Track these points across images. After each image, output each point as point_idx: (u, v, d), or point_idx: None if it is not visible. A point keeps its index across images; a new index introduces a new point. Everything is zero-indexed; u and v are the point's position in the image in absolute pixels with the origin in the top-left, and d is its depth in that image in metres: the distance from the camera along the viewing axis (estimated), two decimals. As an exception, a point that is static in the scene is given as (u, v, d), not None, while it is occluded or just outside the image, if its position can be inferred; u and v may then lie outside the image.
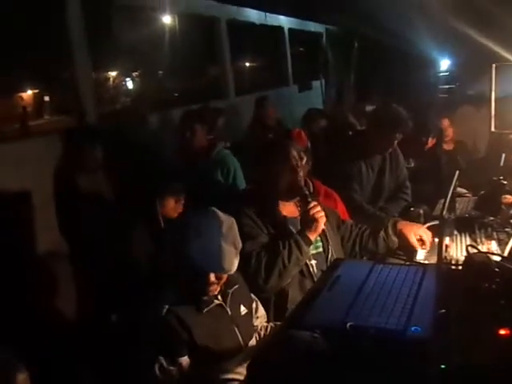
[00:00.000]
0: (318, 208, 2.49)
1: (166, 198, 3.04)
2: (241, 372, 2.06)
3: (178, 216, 3.14)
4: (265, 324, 2.39)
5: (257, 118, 5.91)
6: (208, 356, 2.04)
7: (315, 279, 2.51)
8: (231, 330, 2.13)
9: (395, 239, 2.77)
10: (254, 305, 2.33)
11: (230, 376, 2.08)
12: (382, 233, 2.78)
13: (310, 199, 2.51)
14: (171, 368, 1.99)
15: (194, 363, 2.04)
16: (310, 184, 3.12)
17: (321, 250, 2.65)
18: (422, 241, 2.69)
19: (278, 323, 2.37)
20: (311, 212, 2.47)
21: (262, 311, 2.39)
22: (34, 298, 3.36)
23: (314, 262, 2.58)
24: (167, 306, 2.02)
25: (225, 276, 2.08)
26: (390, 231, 2.77)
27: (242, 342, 2.15)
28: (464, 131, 5.51)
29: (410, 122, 3.72)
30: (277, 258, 2.42)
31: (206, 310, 2.07)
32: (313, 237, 2.51)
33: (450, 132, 5.25)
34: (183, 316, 2.02)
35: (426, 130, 4.75)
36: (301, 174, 2.61)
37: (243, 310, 2.21)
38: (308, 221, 2.50)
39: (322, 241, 2.66)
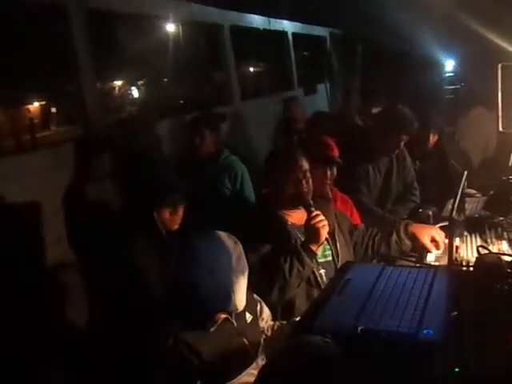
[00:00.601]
0: (320, 217, 2.45)
1: (162, 210, 3.00)
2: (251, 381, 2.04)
3: (179, 229, 3.09)
4: (271, 323, 2.34)
5: (285, 120, 5.91)
6: (217, 374, 1.99)
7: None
8: (239, 342, 2.08)
9: (408, 242, 2.75)
10: (258, 307, 2.27)
11: None
12: (394, 236, 2.77)
13: (312, 209, 2.48)
14: None
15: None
16: (330, 193, 3.12)
17: (330, 258, 2.62)
18: (435, 242, 2.67)
19: (284, 322, 2.35)
20: (312, 222, 2.44)
21: (266, 311, 2.33)
22: (43, 309, 3.37)
23: (322, 271, 2.55)
24: (174, 334, 1.96)
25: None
26: (402, 234, 2.75)
27: (251, 351, 2.10)
28: (477, 132, 5.47)
29: (416, 122, 3.71)
30: (278, 272, 2.40)
31: (213, 328, 2.01)
32: (316, 248, 2.47)
33: None
34: (192, 341, 1.96)
35: (427, 127, 4.71)
36: (306, 183, 2.59)
37: (248, 317, 2.15)
38: (310, 231, 2.46)
39: (331, 249, 2.64)
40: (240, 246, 2.03)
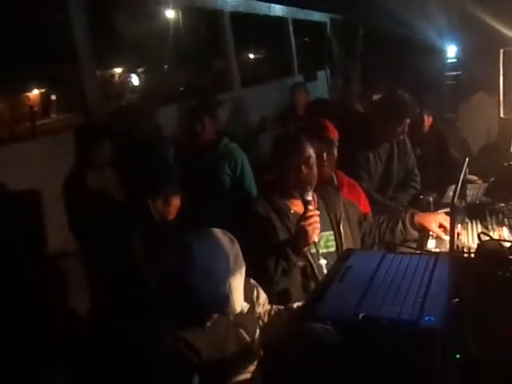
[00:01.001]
0: (312, 219, 2.38)
1: (155, 199, 2.98)
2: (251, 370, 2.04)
3: (176, 219, 3.08)
4: (268, 307, 2.31)
5: (290, 106, 5.98)
6: (217, 369, 2.00)
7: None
8: (237, 334, 2.07)
9: (414, 232, 2.73)
10: (254, 293, 2.23)
11: (244, 377, 2.05)
12: (399, 225, 2.74)
13: (310, 206, 2.42)
14: None
15: (202, 380, 1.98)
16: (334, 177, 3.11)
17: (333, 249, 2.59)
18: (443, 227, 2.65)
19: (281, 307, 2.33)
20: (303, 222, 2.38)
21: (263, 296, 2.29)
22: (43, 296, 3.38)
23: (324, 261, 2.51)
24: (174, 333, 1.95)
25: None
26: (408, 224, 2.73)
27: (249, 341, 2.10)
28: (479, 118, 5.45)
29: (417, 108, 3.70)
30: (265, 267, 2.39)
31: (209, 323, 2.00)
32: (303, 247, 2.43)
33: None
34: (191, 339, 1.95)
35: (420, 109, 4.69)
36: (308, 170, 2.56)
37: (245, 306, 2.08)
38: (300, 231, 2.41)
39: (335, 240, 2.61)
40: (237, 245, 1.99)
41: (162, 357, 1.97)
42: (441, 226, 2.65)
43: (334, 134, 3.14)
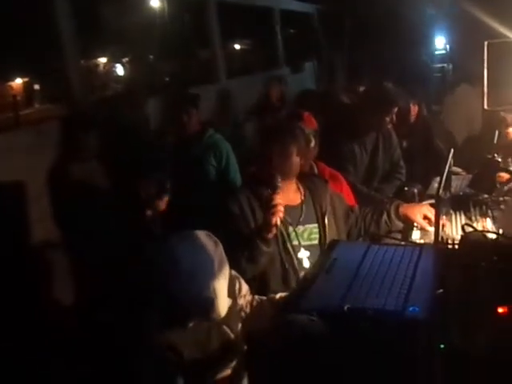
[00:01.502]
0: (275, 207, 2.33)
1: (148, 188, 2.96)
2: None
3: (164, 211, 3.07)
4: (249, 298, 2.29)
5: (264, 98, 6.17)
6: (199, 367, 1.99)
7: (300, 273, 2.45)
8: (220, 330, 2.05)
9: (398, 223, 2.73)
10: (236, 285, 2.21)
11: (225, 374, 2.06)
12: (384, 216, 2.73)
13: (274, 194, 2.36)
14: None
15: (186, 380, 1.98)
16: (315, 167, 3.10)
17: (316, 242, 2.57)
18: (427, 219, 2.65)
19: (264, 298, 2.32)
20: (266, 209, 2.36)
21: (245, 287, 2.27)
22: (29, 288, 3.36)
23: (306, 253, 2.51)
24: (156, 334, 1.94)
25: None
26: (393, 215, 2.72)
27: (232, 337, 2.08)
28: (462, 109, 5.48)
29: (402, 99, 3.71)
30: (232, 255, 2.30)
31: (191, 324, 1.98)
32: (267, 233, 2.37)
33: None
34: (175, 341, 1.94)
35: (405, 98, 4.71)
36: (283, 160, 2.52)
37: (228, 301, 2.04)
38: (263, 217, 2.40)
39: (319, 232, 2.59)
40: (220, 247, 1.96)
41: (145, 356, 1.94)
42: (425, 217, 2.66)
43: (312, 126, 3.12)
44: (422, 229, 2.71)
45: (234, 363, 2.05)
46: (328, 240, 2.53)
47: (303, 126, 2.91)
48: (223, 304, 1.90)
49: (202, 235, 1.95)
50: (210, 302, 1.85)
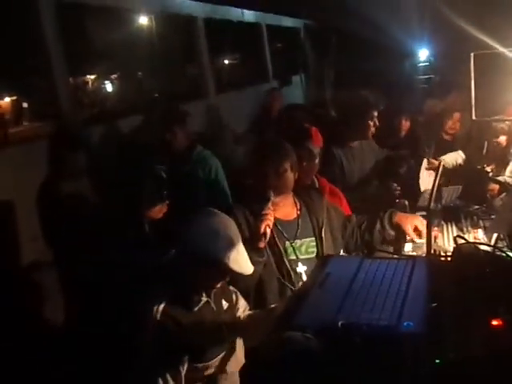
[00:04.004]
0: (265, 217, 2.37)
1: (155, 205, 2.98)
2: (226, 369, 2.09)
3: (164, 216, 3.10)
4: (248, 313, 2.34)
5: (263, 109, 6.08)
6: (199, 352, 2.05)
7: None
8: (218, 326, 2.12)
9: (392, 232, 2.72)
10: (234, 297, 2.29)
11: (221, 370, 2.10)
12: (378, 225, 2.73)
13: (265, 207, 2.40)
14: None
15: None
16: (316, 182, 3.10)
17: (313, 255, 2.57)
18: (417, 231, 2.65)
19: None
20: (256, 221, 2.41)
21: (242, 301, 2.34)
22: (20, 307, 3.32)
23: (303, 268, 2.51)
24: (160, 306, 1.99)
25: None
26: (387, 223, 2.72)
27: (227, 337, 2.15)
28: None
29: (382, 102, 3.74)
30: None
31: (196, 308, 2.07)
32: (256, 243, 2.38)
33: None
34: (179, 317, 2.01)
35: (398, 114, 4.77)
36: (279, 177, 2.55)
37: (225, 304, 2.21)
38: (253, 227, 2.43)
39: (317, 246, 2.59)
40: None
41: (149, 332, 1.98)
42: (416, 229, 2.66)
43: (318, 143, 3.13)
44: (411, 240, 2.71)
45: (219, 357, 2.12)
46: (326, 253, 2.55)
47: (310, 146, 2.92)
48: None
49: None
50: (243, 256, 2.06)
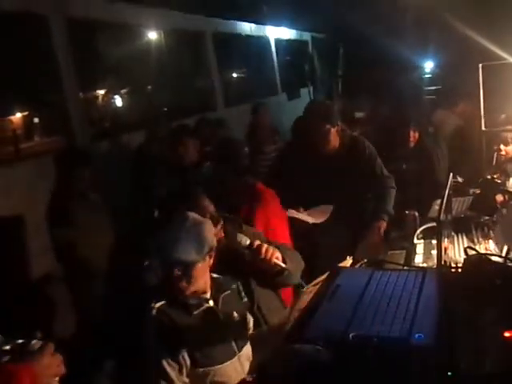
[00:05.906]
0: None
1: None
2: (234, 376, 2.07)
3: None
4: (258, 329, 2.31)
5: (252, 127, 5.85)
6: (201, 360, 2.04)
7: None
8: (224, 335, 2.11)
9: None
10: (248, 316, 2.27)
11: (223, 379, 2.08)
12: None
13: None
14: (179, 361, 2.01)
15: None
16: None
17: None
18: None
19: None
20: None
21: (250, 319, 2.30)
22: (31, 321, 3.33)
23: None
24: (157, 304, 2.05)
25: (196, 274, 2.05)
26: None
27: (235, 347, 2.12)
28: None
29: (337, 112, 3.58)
30: None
31: (195, 312, 2.07)
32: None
33: None
34: (175, 318, 2.03)
35: (406, 125, 4.75)
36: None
37: (236, 316, 2.18)
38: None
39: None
40: (206, 221, 2.14)
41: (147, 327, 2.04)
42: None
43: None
44: (424, 253, 2.70)
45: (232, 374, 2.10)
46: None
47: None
48: (183, 252, 2.02)
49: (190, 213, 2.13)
50: (172, 244, 2.01)
